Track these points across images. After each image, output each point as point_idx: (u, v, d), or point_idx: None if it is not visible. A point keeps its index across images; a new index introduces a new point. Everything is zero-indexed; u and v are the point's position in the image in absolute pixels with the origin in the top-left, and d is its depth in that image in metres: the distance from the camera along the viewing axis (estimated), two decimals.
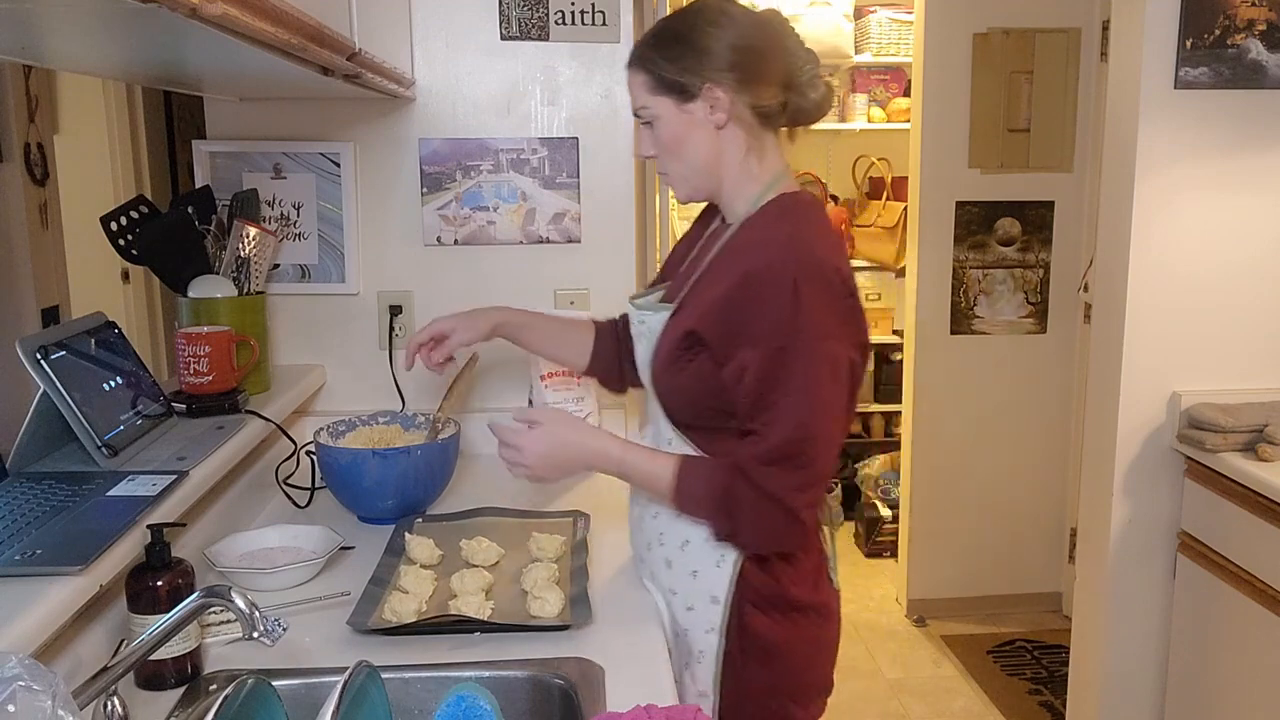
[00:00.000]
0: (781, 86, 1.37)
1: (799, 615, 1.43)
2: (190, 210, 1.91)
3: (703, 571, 1.42)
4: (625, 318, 1.63)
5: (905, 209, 3.84)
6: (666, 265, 1.62)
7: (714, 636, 1.41)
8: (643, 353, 1.48)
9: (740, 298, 1.32)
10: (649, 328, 1.46)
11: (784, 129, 1.43)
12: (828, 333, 1.30)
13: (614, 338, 1.68)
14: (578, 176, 2.12)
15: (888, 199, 4.14)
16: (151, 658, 1.15)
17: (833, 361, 1.30)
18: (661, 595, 1.47)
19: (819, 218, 1.41)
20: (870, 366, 4.39)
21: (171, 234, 1.86)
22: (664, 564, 1.46)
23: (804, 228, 1.36)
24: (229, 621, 1.32)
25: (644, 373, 1.47)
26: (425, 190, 2.10)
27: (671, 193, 1.43)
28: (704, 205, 1.56)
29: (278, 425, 1.83)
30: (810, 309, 1.28)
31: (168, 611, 1.10)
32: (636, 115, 1.41)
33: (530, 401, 1.95)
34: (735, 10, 1.36)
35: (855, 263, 4.32)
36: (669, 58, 1.35)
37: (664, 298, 1.47)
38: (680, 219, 3.36)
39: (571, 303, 2.15)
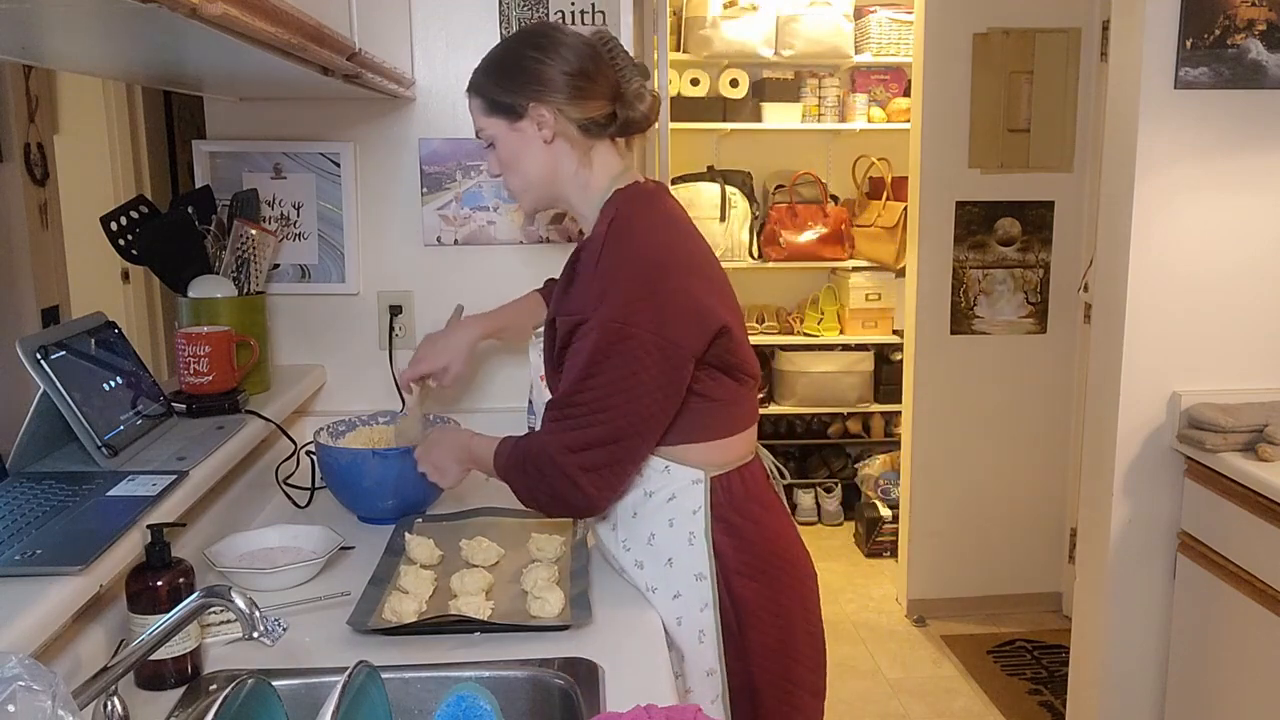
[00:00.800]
0: (608, 100, 1.46)
1: (778, 574, 1.48)
2: (190, 210, 1.91)
3: (677, 556, 1.45)
4: (550, 281, 1.81)
5: (905, 209, 3.84)
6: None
7: (710, 612, 1.44)
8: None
9: (569, 286, 1.46)
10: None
11: (620, 138, 1.51)
12: (629, 310, 1.35)
13: None
14: None
15: (888, 199, 4.14)
16: (151, 658, 1.15)
17: (623, 338, 1.35)
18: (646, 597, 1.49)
19: (648, 203, 1.47)
20: (870, 366, 4.40)
21: (171, 234, 1.86)
22: (637, 567, 1.49)
23: (624, 214, 1.43)
24: (229, 621, 1.32)
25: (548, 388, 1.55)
26: (425, 190, 2.10)
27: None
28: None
29: (278, 425, 1.83)
30: (609, 285, 1.37)
31: (168, 611, 1.10)
32: (478, 137, 1.51)
33: (530, 401, 1.95)
34: (560, 35, 1.45)
35: (856, 263, 4.32)
36: (498, 83, 1.45)
37: None
38: None
39: None
